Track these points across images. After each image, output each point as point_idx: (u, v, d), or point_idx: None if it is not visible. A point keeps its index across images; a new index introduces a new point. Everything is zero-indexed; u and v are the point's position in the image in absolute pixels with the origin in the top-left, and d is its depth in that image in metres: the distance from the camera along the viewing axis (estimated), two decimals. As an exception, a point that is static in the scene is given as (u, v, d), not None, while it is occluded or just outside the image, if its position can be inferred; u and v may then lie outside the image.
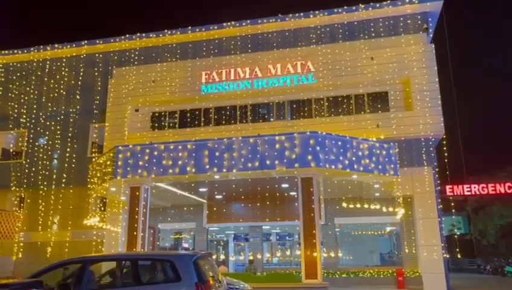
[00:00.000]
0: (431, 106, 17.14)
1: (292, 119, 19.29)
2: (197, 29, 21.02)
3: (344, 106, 18.94)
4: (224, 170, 13.98)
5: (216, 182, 15.55)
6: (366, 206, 17.22)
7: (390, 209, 17.07)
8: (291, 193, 16.93)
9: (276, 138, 13.84)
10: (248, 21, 20.51)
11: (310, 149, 13.44)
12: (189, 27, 21.10)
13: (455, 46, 23.78)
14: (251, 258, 18.78)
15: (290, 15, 20.10)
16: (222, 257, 21.11)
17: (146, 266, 7.96)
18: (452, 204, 23.01)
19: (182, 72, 20.20)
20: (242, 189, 16.72)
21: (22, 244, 21.35)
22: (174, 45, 21.58)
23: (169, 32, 21.33)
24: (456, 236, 31.82)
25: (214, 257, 8.78)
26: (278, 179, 15.01)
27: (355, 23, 19.64)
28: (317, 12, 19.74)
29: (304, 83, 18.71)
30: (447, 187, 21.60)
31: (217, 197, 18.82)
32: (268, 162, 13.62)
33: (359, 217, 18.42)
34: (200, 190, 17.18)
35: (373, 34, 19.27)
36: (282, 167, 13.49)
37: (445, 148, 17.51)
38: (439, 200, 17.37)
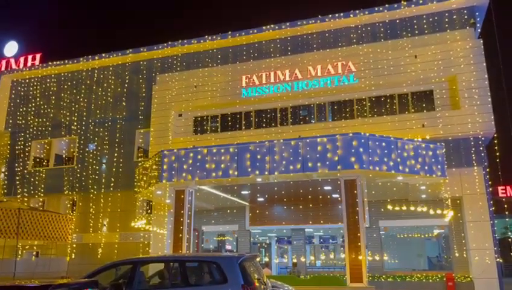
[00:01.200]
0: (480, 104, 16.44)
1: (333, 120, 19.10)
2: (237, 34, 21.28)
3: (387, 106, 18.53)
4: (266, 173, 14.06)
5: (258, 185, 15.66)
6: (412, 208, 16.72)
7: (438, 211, 16.50)
8: (334, 195, 16.75)
9: (318, 139, 13.77)
10: (287, 23, 20.54)
11: (353, 151, 13.27)
12: (229, 32, 21.41)
13: (505, 40, 22.66)
14: (294, 261, 18.72)
15: (330, 15, 19.93)
16: (265, 259, 21.19)
17: (193, 267, 8.15)
18: (505, 206, 21.91)
19: (223, 77, 20.51)
20: (284, 191, 16.74)
21: (74, 245, 22.39)
22: (214, 50, 21.99)
23: (209, 38, 21.74)
24: (510, 239, 30.22)
25: (257, 259, 8.85)
26: (321, 182, 14.91)
27: (397, 21, 19.19)
28: (357, 11, 19.47)
29: (345, 83, 18.48)
30: (499, 188, 20.59)
31: (259, 199, 18.93)
32: (310, 164, 13.58)
33: (405, 219, 17.93)
34: (243, 192, 17.36)
35: (416, 32, 18.74)
36: (325, 169, 13.39)
37: (496, 147, 16.73)
38: (491, 201, 16.60)
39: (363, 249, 12.87)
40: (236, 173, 14.31)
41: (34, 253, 23.67)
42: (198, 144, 18.56)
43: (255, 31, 21.05)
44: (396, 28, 19.17)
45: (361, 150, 13.23)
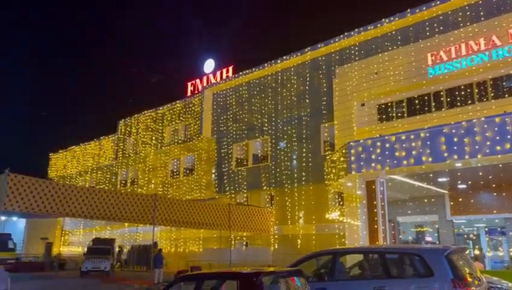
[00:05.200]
0: None
1: (550, 87, 15.88)
2: (417, 10, 19.78)
3: None
4: (467, 157, 12.58)
5: (457, 171, 14.16)
6: None
7: None
8: (560, 177, 13.91)
9: (532, 113, 11.65)
10: (478, -15, 18.07)
11: None
12: (408, 10, 20.04)
13: None
14: (512, 254, 16.27)
15: (533, -37, 16.67)
16: (476, 252, 19.02)
17: (393, 259, 7.89)
18: None
19: (405, 59, 19.30)
20: (492, 176, 14.73)
21: (276, 236, 24.36)
22: (393, 32, 20.92)
23: (387, 20, 20.80)
24: None
25: (466, 252, 8.01)
26: (540, 162, 12.58)
27: None
28: None
29: (562, 41, 15.16)
30: None
31: (461, 186, 17.10)
32: (523, 142, 11.58)
33: None
34: (439, 180, 15.96)
35: None
36: (544, 146, 11.23)
37: None
38: None
39: None
40: (430, 159, 13.24)
41: (244, 243, 26.70)
42: (385, 132, 17.89)
43: (438, 2, 19.18)
44: None
45: None
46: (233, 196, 27.01)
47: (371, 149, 14.68)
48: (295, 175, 23.95)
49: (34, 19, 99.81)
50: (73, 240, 39.04)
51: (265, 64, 26.66)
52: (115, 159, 37.95)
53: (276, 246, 24.20)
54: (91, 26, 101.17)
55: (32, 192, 15.76)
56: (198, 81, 31.78)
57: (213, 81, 30.45)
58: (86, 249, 26.46)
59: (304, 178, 23.45)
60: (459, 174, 14.67)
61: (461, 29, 17.98)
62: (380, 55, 20.52)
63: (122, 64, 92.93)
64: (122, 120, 38.24)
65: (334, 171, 17.26)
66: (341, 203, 21.36)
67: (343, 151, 15.88)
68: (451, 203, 18.27)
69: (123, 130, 37.95)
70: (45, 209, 16.14)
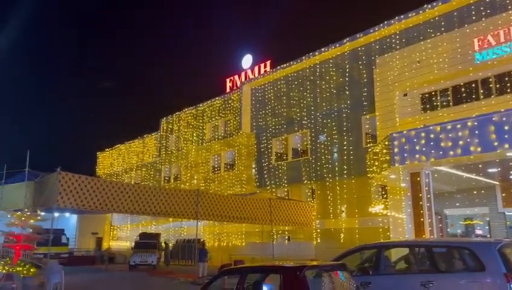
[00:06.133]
0: None
1: None
2: (462, -7, 18.91)
3: None
4: (519, 145, 11.96)
5: (509, 160, 13.48)
6: None
7: None
8: None
9: None
10: (527, -37, 17.03)
11: None
12: (452, -7, 19.23)
13: None
14: None
15: None
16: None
17: (441, 253, 7.65)
18: None
19: (449, 45, 18.53)
20: (549, 165, 13.92)
21: (318, 230, 24.20)
22: (436, 18, 20.14)
23: (429, 6, 20.04)
24: None
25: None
26: None
27: None
28: None
29: None
30: None
31: (513, 177, 16.27)
32: None
33: None
34: (489, 170, 15.24)
35: None
36: None
37: None
38: None
39: None
40: (479, 149, 12.66)
41: (286, 237, 26.72)
42: (429, 122, 17.26)
43: (485, -17, 18.26)
44: None
45: None
46: (273, 190, 27.06)
47: (415, 140, 14.22)
48: (336, 168, 23.66)
49: (85, 17, 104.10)
50: (121, 234, 40.54)
51: (303, 57, 26.44)
52: (158, 156, 38.99)
53: (319, 240, 24.05)
54: (126, 24, 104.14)
55: (82, 189, 16.49)
56: (236, 77, 32.00)
57: (251, 76, 30.54)
58: (133, 243, 27.40)
59: (345, 171, 23.13)
60: (511, 164, 13.97)
61: (510, 12, 17.04)
62: (422, 42, 19.80)
63: (164, 63, 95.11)
64: (164, 118, 39.18)
65: (376, 163, 16.90)
66: (385, 196, 20.88)
67: (386, 143, 15.50)
68: (503, 194, 17.43)
69: (165, 128, 38.89)
70: (94, 205, 16.85)
